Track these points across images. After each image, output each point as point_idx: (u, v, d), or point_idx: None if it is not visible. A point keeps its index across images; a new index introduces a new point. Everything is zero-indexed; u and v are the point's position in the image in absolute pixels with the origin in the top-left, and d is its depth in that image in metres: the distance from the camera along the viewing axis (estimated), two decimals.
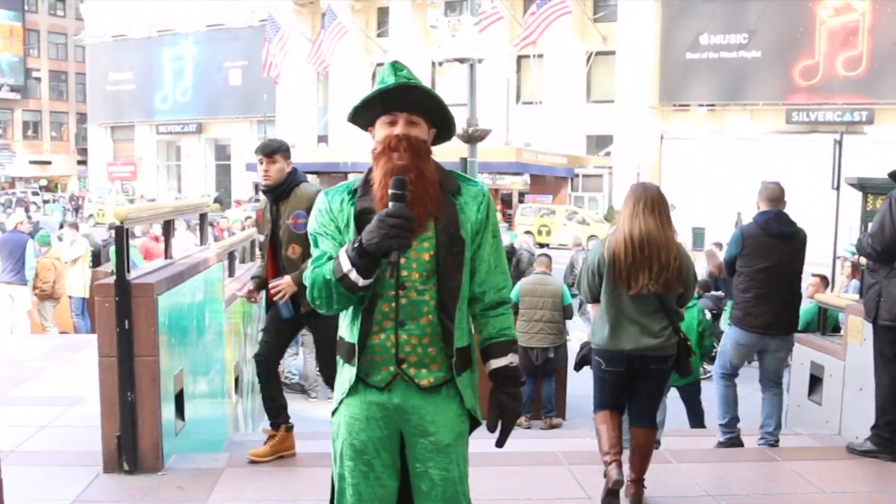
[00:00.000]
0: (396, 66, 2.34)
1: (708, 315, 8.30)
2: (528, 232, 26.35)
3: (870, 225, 4.89)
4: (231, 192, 41.37)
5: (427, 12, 31.20)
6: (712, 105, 31.31)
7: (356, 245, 2.20)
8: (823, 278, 9.22)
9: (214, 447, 5.13)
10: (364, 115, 2.39)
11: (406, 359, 2.31)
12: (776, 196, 5.24)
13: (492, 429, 2.43)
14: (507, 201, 33.89)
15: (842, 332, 6.12)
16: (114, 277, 4.18)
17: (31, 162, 54.98)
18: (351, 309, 2.35)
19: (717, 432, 5.53)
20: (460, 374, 2.36)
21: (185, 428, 4.66)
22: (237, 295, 5.83)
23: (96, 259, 10.95)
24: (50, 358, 7.59)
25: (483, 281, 2.42)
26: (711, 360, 7.49)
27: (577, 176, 34.23)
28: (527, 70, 34.80)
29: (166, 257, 5.15)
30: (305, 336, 7.81)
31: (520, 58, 34.64)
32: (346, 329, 2.39)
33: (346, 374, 2.39)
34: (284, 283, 4.33)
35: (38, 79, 57.61)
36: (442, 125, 2.41)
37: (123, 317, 4.14)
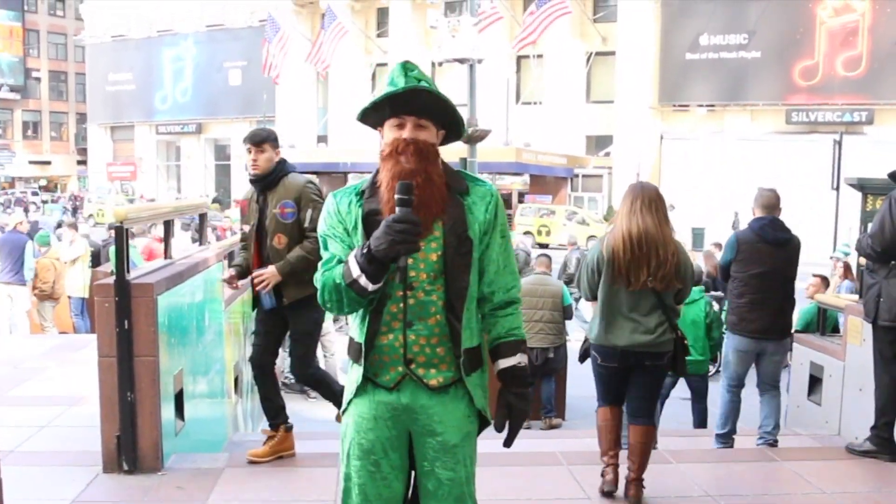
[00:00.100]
0: (407, 67, 2.34)
1: (716, 306, 8.25)
2: (527, 232, 26.41)
3: (869, 225, 4.90)
4: (230, 193, 41.31)
5: (427, 13, 31.13)
6: (712, 105, 31.29)
7: (365, 251, 2.21)
8: (824, 278, 9.21)
9: (214, 447, 5.13)
10: (372, 116, 2.39)
11: (414, 359, 2.32)
12: (771, 203, 5.32)
13: (499, 429, 2.43)
14: (506, 201, 33.86)
15: (841, 333, 6.12)
16: (113, 277, 4.19)
17: (31, 162, 55.04)
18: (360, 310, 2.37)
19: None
20: (470, 374, 2.36)
21: (184, 428, 4.66)
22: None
23: (96, 259, 10.94)
24: (49, 358, 7.59)
25: (492, 281, 2.42)
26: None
27: (576, 176, 34.23)
28: (526, 70, 34.81)
29: (166, 257, 5.16)
30: None
31: (519, 58, 34.63)
32: (356, 329, 2.40)
33: (353, 374, 2.41)
34: (268, 272, 4.33)
35: (38, 79, 57.66)
36: (451, 126, 2.42)
37: (123, 317, 4.14)
